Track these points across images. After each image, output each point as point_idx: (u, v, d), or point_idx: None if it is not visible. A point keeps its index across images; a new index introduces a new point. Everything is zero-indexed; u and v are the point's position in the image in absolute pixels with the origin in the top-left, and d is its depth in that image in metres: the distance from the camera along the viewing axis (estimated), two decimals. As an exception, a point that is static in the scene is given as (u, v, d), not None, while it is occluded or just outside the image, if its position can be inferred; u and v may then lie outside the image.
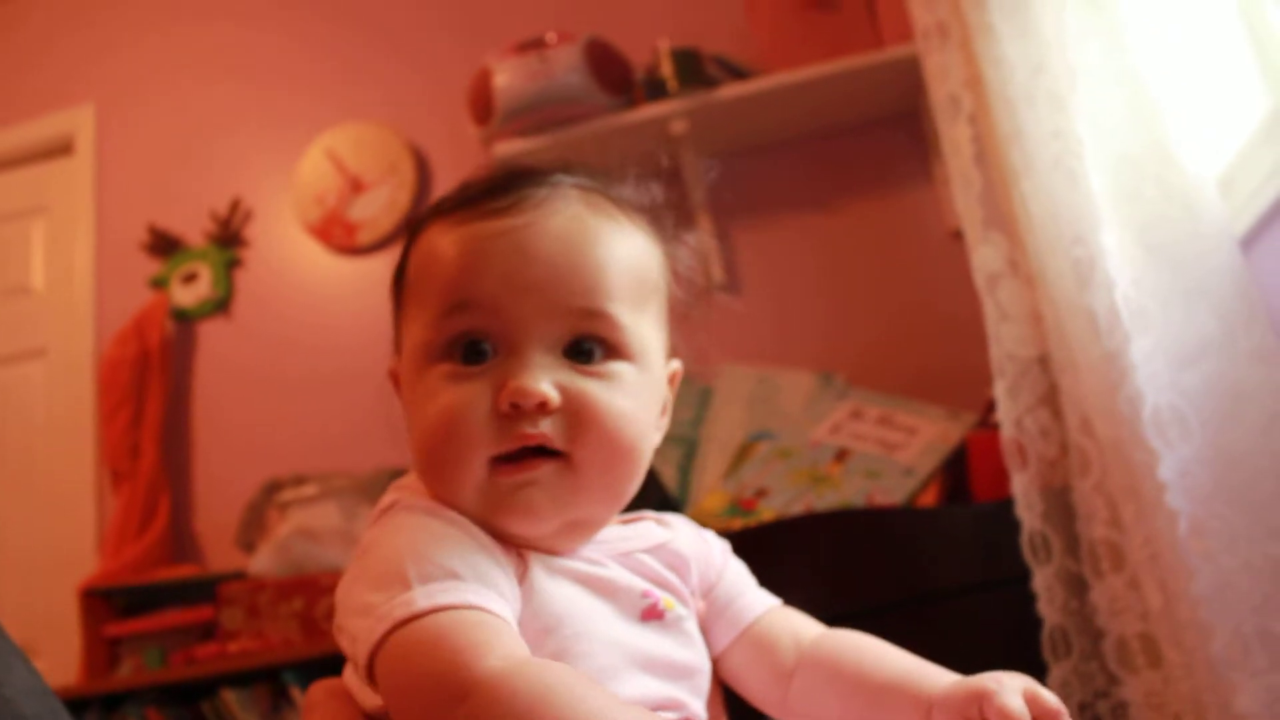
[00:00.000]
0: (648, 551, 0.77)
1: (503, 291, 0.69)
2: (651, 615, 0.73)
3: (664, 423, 0.80)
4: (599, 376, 0.70)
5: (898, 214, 2.56)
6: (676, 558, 0.79)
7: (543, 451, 0.68)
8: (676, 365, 0.82)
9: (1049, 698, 0.65)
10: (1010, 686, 0.66)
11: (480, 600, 0.62)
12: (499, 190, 0.73)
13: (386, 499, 0.72)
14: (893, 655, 0.77)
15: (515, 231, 0.70)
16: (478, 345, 0.70)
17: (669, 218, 0.81)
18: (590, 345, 0.70)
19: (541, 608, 0.68)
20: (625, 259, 0.73)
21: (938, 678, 0.72)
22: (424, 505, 0.69)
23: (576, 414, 0.68)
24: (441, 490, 0.70)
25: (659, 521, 0.82)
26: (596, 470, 0.70)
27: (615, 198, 0.77)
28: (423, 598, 0.61)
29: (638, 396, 0.72)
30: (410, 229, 0.79)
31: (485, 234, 0.71)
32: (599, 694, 0.56)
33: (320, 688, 0.75)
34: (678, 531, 0.81)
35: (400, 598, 0.62)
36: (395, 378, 0.79)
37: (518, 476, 0.68)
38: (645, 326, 0.74)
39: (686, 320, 0.82)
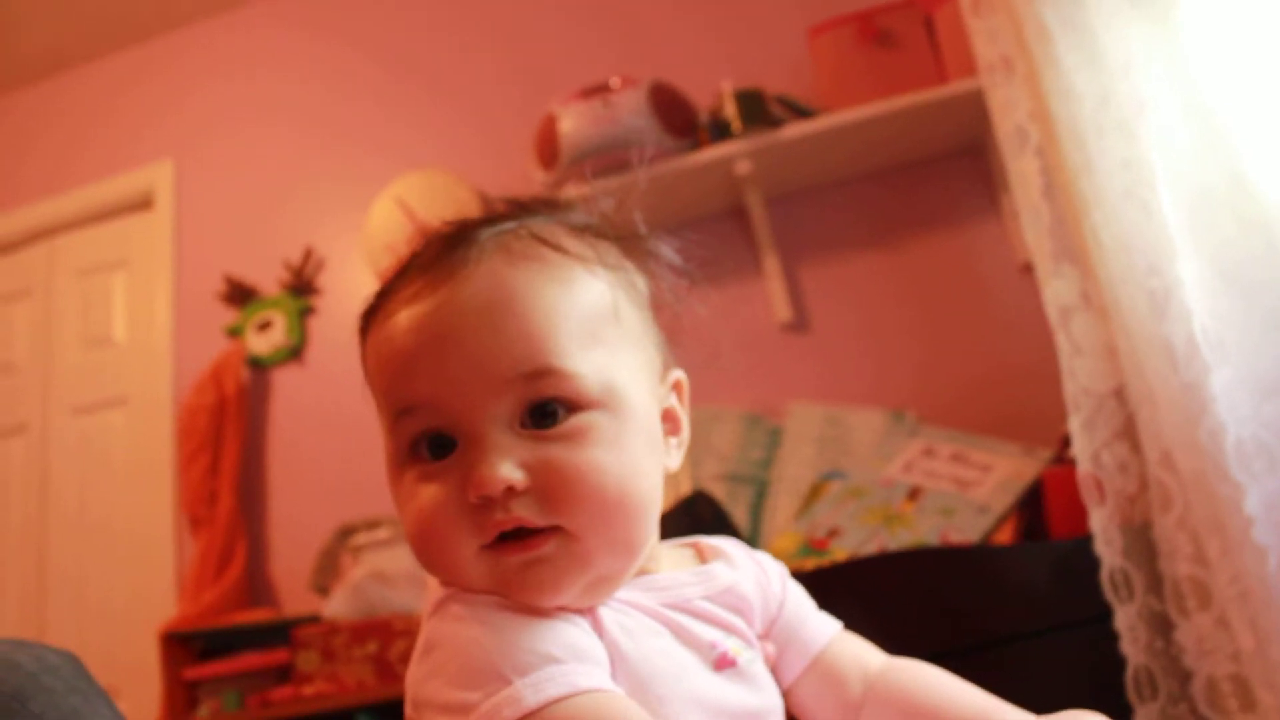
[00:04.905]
0: (708, 598, 0.74)
1: (438, 387, 0.66)
2: (724, 664, 0.72)
3: (683, 439, 0.77)
4: (565, 439, 0.65)
5: (966, 249, 2.54)
6: (741, 600, 0.76)
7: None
8: (677, 375, 0.78)
9: None
10: None
11: (588, 681, 0.60)
12: (414, 269, 0.71)
13: (439, 593, 0.68)
14: (967, 693, 0.76)
15: (432, 315, 0.67)
16: (440, 438, 0.67)
17: (624, 227, 0.77)
18: (549, 406, 0.66)
19: (623, 670, 0.66)
20: (558, 302, 0.68)
21: (1014, 719, 0.71)
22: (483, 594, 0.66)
23: (548, 487, 0.64)
24: (453, 584, 0.67)
25: (720, 555, 0.79)
26: (594, 532, 0.65)
27: (541, 233, 0.72)
28: (530, 692, 0.59)
29: (615, 441, 0.67)
30: (359, 323, 0.76)
31: (407, 327, 0.68)
32: None
33: None
34: (739, 569, 0.78)
35: (502, 695, 0.59)
36: None
37: (525, 555, 0.64)
38: (604, 361, 0.68)
39: (674, 325, 0.78)
